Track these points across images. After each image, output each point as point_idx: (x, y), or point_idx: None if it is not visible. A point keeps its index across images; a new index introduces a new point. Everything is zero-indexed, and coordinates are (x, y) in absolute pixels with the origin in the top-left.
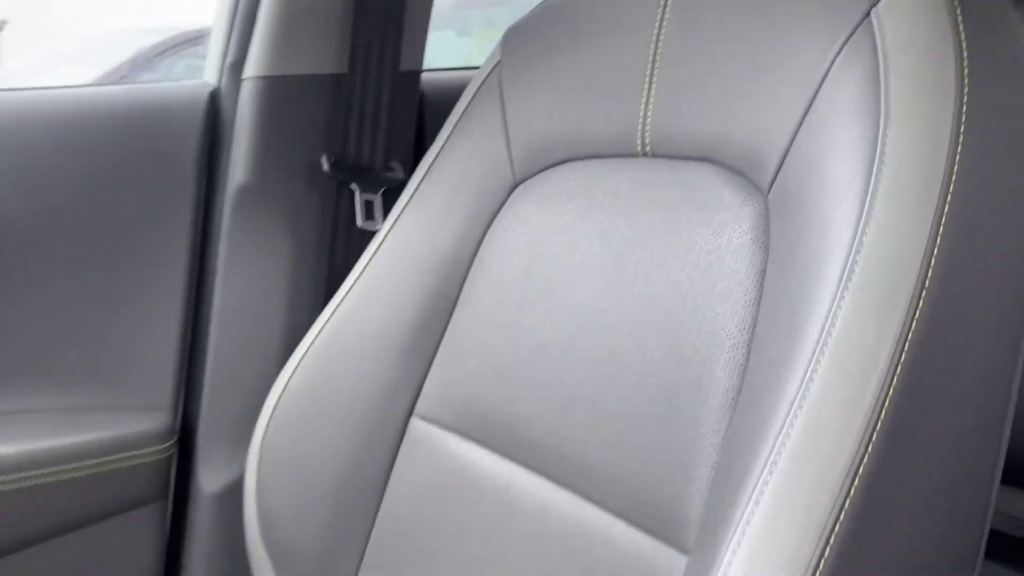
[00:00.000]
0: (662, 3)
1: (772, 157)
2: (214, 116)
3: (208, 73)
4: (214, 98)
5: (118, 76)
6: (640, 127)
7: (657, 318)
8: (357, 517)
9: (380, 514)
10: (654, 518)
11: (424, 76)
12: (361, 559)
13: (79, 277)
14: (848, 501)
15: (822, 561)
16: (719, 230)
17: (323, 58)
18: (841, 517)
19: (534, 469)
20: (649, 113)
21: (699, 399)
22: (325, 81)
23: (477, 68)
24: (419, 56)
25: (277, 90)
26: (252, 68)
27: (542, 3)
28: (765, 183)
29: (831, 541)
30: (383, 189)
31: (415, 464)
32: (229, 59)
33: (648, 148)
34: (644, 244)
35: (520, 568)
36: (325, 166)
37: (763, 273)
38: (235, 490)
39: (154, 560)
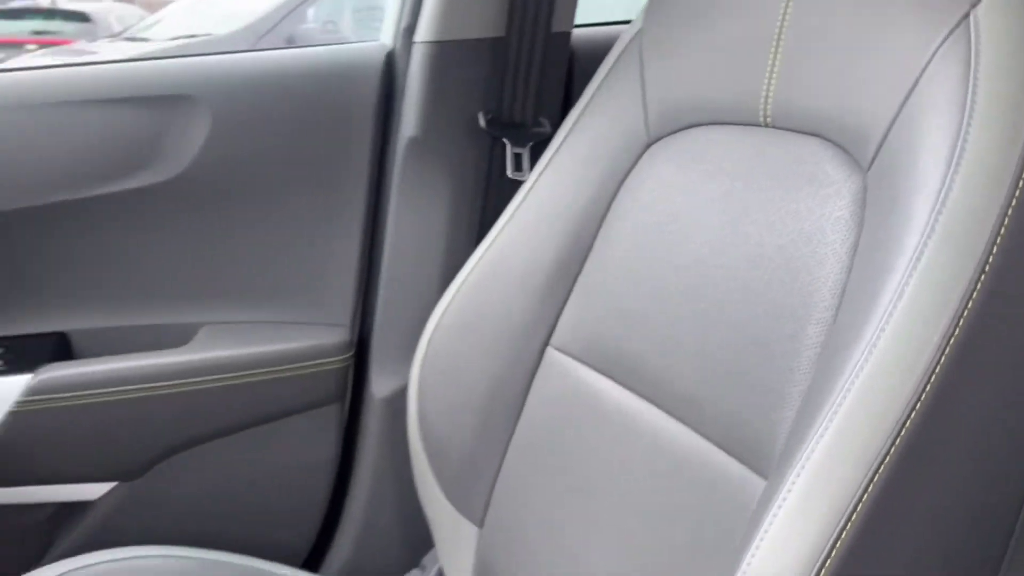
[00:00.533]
0: None
1: (873, 138)
2: (389, 75)
3: (384, 35)
4: (390, 59)
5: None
6: (763, 98)
7: (763, 277)
8: (498, 428)
9: (518, 427)
10: (745, 448)
11: (574, 32)
12: (500, 464)
13: (278, 214)
14: (893, 447)
15: (865, 495)
16: (823, 202)
17: (484, 24)
18: (887, 460)
19: (648, 399)
20: (772, 86)
21: (792, 351)
22: (485, 45)
23: (624, 23)
24: (570, 18)
25: (443, 54)
26: (422, 33)
27: None
28: (866, 162)
29: (874, 480)
30: (531, 143)
31: (549, 388)
32: (403, 23)
33: (769, 119)
34: (757, 209)
35: (632, 482)
36: (482, 122)
37: (856, 246)
38: (400, 395)
39: (332, 451)
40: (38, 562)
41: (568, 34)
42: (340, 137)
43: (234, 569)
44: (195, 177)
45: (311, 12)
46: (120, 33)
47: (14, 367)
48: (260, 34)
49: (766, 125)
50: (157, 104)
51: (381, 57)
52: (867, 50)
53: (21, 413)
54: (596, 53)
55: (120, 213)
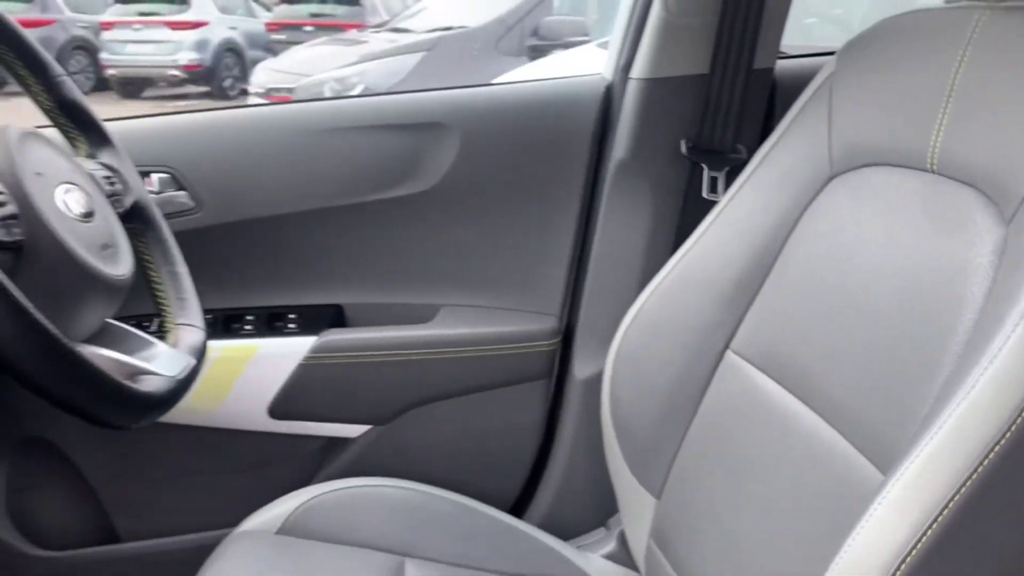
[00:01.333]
0: (966, 40)
1: (1016, 197)
2: (607, 104)
3: (605, 69)
4: (608, 91)
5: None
6: (932, 146)
7: (913, 307)
8: (678, 415)
9: (696, 416)
10: (877, 451)
11: (780, 64)
12: (678, 446)
13: (506, 220)
14: (981, 466)
15: (951, 502)
16: (968, 247)
17: (690, 63)
18: (973, 476)
19: (805, 402)
20: (940, 135)
21: (928, 376)
22: (690, 81)
23: (827, 54)
24: (772, 55)
25: (654, 89)
26: (637, 71)
27: (876, 24)
28: (1008, 216)
29: (961, 490)
30: (727, 168)
31: (725, 385)
32: (622, 61)
33: (934, 166)
34: (914, 246)
35: (782, 472)
36: (683, 149)
37: (990, 291)
38: (597, 379)
39: (538, 419)
40: (310, 481)
41: (770, 70)
42: (561, 156)
43: (452, 504)
44: (444, 188)
45: (556, 3)
46: (385, 23)
47: (304, 330)
48: (509, 25)
49: (931, 171)
50: (417, 130)
51: (601, 89)
52: (1021, 113)
53: (307, 365)
54: (798, 84)
55: (386, 215)
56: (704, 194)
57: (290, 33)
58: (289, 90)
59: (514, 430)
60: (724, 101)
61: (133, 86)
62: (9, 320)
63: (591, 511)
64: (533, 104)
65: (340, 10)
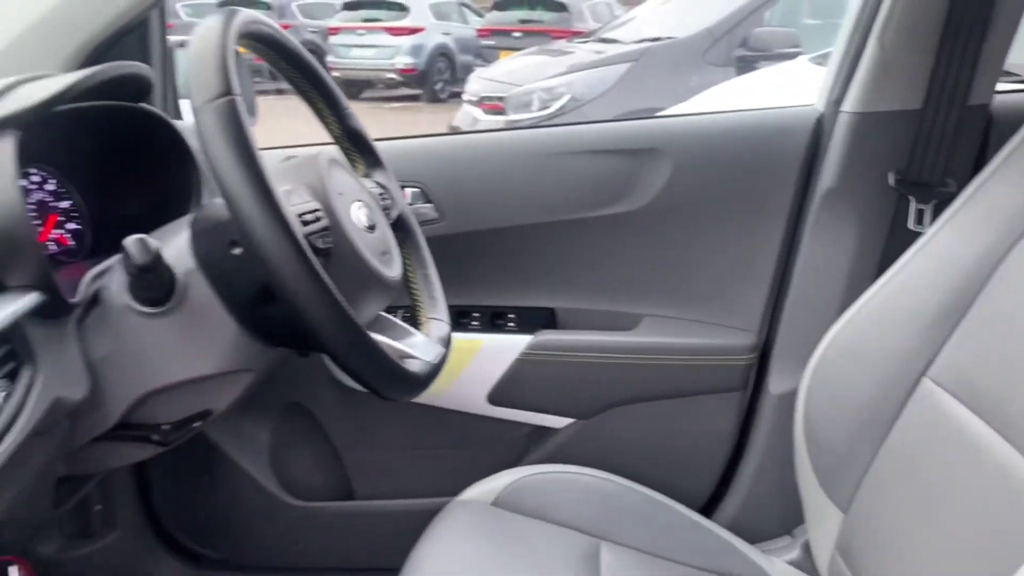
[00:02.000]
0: None
1: None
2: (817, 135)
3: (817, 101)
4: (819, 122)
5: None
6: None
7: None
8: (869, 439)
9: (886, 442)
10: None
11: (998, 98)
12: (868, 465)
13: (711, 239)
14: None
15: None
16: None
17: (903, 98)
18: None
19: (1003, 434)
20: None
21: None
22: (902, 116)
23: None
24: (989, 90)
25: (864, 122)
26: (849, 105)
27: None
28: None
29: None
30: (935, 201)
31: (920, 411)
32: (834, 95)
33: None
34: None
35: (974, 501)
36: (891, 181)
37: None
38: (791, 395)
39: (732, 427)
40: (517, 463)
41: (985, 106)
42: (769, 182)
43: (645, 498)
44: (655, 208)
45: (767, 15)
46: (593, 33)
47: (521, 328)
48: (717, 36)
49: None
50: (633, 155)
51: (812, 120)
52: None
53: (522, 360)
54: (1016, 119)
55: (600, 230)
56: (910, 225)
57: (499, 39)
58: (500, 99)
59: (708, 436)
60: (935, 136)
61: (355, 87)
62: (327, 310)
63: (777, 519)
64: (745, 132)
65: (548, 16)
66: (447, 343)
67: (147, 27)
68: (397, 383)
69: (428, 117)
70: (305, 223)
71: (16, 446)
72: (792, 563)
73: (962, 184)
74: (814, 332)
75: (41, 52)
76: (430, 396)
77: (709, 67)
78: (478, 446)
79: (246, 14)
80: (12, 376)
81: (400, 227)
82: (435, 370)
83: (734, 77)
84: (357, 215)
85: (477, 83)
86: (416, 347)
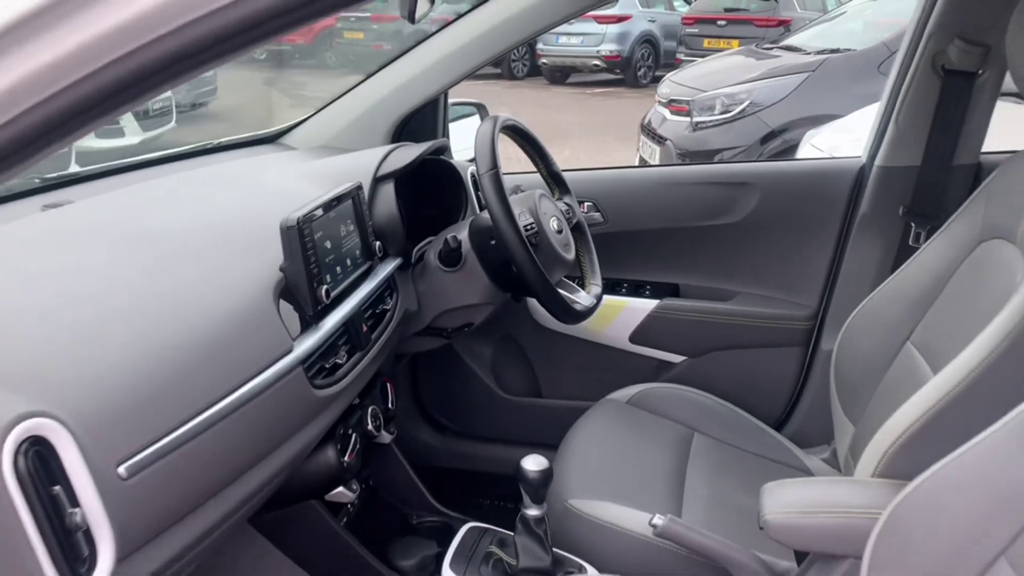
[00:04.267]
0: None
1: None
2: (859, 178)
3: (863, 154)
4: (860, 170)
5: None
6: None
7: None
8: (874, 376)
9: (880, 385)
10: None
11: (987, 156)
12: (871, 396)
13: (786, 244)
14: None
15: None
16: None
17: (909, 157)
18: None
19: (928, 361)
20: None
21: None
22: (909, 170)
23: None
24: (974, 153)
25: (887, 173)
26: (879, 160)
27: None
28: None
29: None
30: (929, 227)
31: (901, 366)
32: (871, 152)
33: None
34: None
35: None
36: (900, 212)
37: None
38: (831, 353)
39: (796, 372)
40: (647, 381)
41: (975, 164)
42: (826, 208)
43: (730, 410)
44: (748, 222)
45: None
46: (780, 38)
47: (654, 295)
48: (893, 49)
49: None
50: (733, 186)
51: (856, 168)
52: None
53: (653, 316)
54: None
55: (710, 234)
56: (911, 243)
57: (702, 27)
58: (686, 102)
59: (779, 375)
60: (928, 184)
61: (560, 73)
62: (535, 274)
63: (823, 433)
64: (813, 173)
65: (754, 4)
66: (599, 298)
67: (436, 103)
68: (568, 314)
69: (628, 103)
70: (526, 230)
71: (392, 330)
72: (824, 460)
73: (947, 217)
74: (850, 310)
75: (370, 127)
76: (594, 335)
77: (883, 78)
78: (621, 370)
79: (504, 117)
80: (390, 297)
81: (577, 229)
82: (590, 311)
83: None
84: (551, 225)
85: (667, 86)
86: (581, 298)
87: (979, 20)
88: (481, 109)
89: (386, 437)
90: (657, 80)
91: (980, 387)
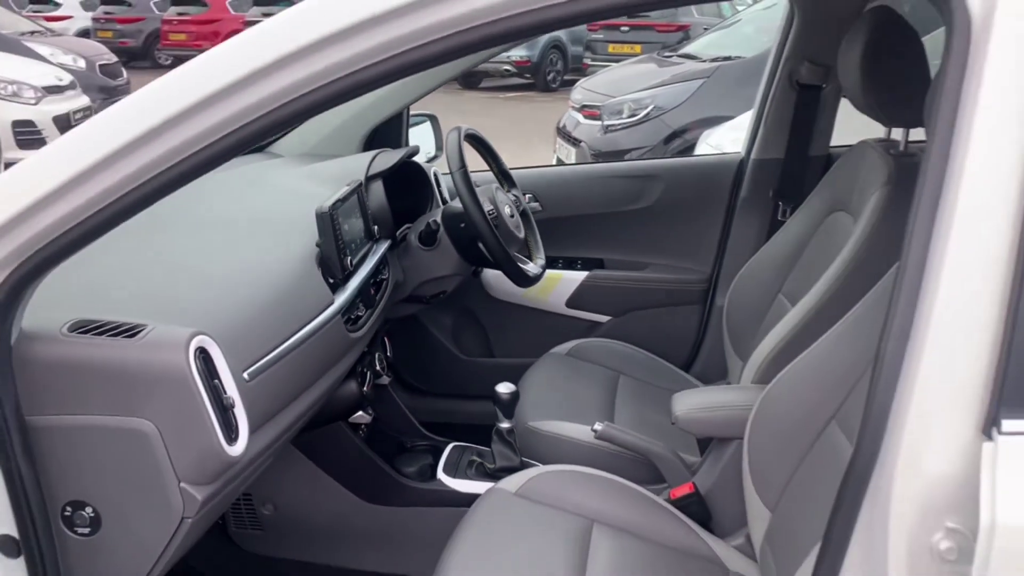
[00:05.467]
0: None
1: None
2: (740, 169)
3: (743, 149)
4: (742, 162)
5: None
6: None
7: None
8: (756, 319)
9: (764, 317)
10: None
11: (836, 149)
12: (755, 335)
13: (688, 223)
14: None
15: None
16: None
17: (776, 150)
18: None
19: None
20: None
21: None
22: (776, 161)
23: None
24: (824, 147)
25: (760, 164)
26: (754, 154)
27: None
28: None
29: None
30: (792, 205)
31: (777, 304)
32: (747, 147)
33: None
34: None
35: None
36: (771, 194)
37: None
38: (723, 307)
39: (699, 321)
40: (582, 337)
41: (826, 155)
42: (716, 194)
43: (648, 356)
44: (656, 207)
45: None
46: (678, 46)
47: (584, 268)
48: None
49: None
50: (642, 178)
51: (736, 162)
52: None
53: (584, 285)
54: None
55: (626, 218)
56: (779, 218)
57: (607, 32)
58: (597, 107)
59: (684, 327)
60: (790, 171)
61: (474, 78)
62: (497, 247)
63: (720, 370)
64: (705, 167)
65: (654, 11)
66: (544, 268)
67: (400, 116)
68: (522, 279)
69: (540, 106)
70: (489, 215)
71: (389, 294)
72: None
73: (805, 196)
74: (735, 272)
75: (347, 136)
76: (537, 302)
77: None
78: (560, 330)
79: (466, 128)
80: (385, 269)
81: (523, 215)
82: (538, 277)
83: None
84: (506, 211)
85: (579, 92)
86: (530, 268)
87: (821, 46)
88: (432, 119)
89: (385, 379)
90: (566, 84)
91: (820, 314)
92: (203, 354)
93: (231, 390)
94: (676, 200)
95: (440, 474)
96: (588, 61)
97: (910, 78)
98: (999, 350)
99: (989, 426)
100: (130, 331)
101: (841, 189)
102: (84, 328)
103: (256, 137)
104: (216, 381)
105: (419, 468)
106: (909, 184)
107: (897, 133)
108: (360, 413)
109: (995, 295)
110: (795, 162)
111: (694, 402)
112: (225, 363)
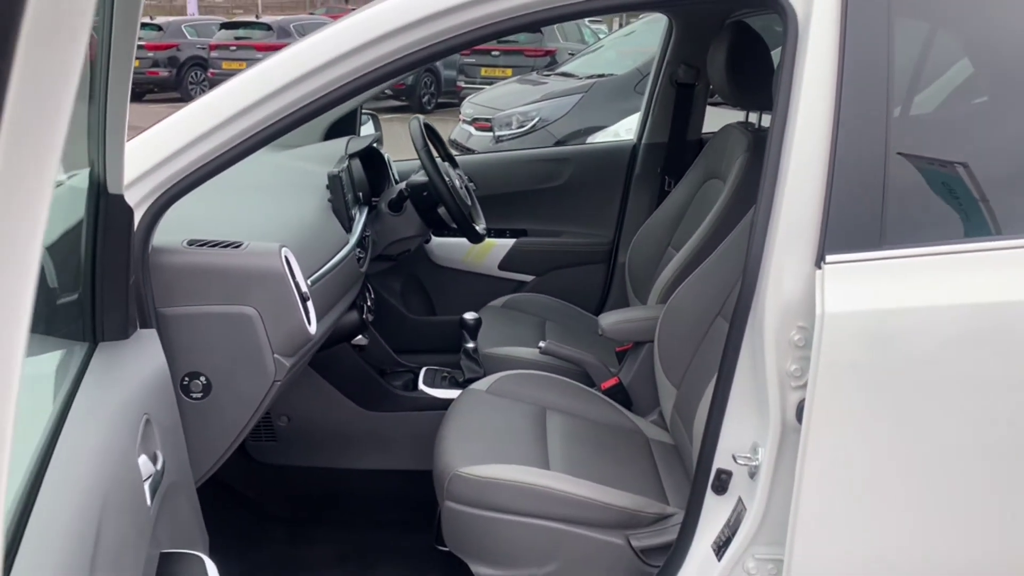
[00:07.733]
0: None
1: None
2: (634, 152)
3: (635, 136)
4: (635, 147)
5: None
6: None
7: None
8: (652, 268)
9: (666, 264)
10: None
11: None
12: (655, 278)
13: (594, 196)
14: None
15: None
16: None
17: (661, 135)
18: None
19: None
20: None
21: None
22: (662, 145)
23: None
24: (697, 130)
25: (650, 148)
26: (644, 139)
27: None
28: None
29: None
30: (676, 179)
31: (673, 255)
32: (639, 134)
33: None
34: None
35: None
36: (659, 170)
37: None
38: (624, 263)
39: (604, 275)
40: (514, 292)
41: (698, 140)
42: (616, 172)
43: (564, 305)
44: (568, 185)
45: None
46: (558, 65)
47: (512, 236)
48: (644, 73)
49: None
50: (556, 161)
51: (631, 147)
52: None
53: (512, 251)
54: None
55: (545, 194)
56: (666, 188)
57: (479, 57)
58: (487, 120)
59: (595, 281)
60: (672, 153)
61: None
62: (458, 212)
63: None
64: (607, 151)
65: (523, 36)
66: (486, 230)
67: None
68: (475, 235)
69: None
70: (447, 186)
71: (351, 248)
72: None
73: (685, 170)
74: (633, 234)
75: (311, 128)
76: (474, 266)
77: (638, 96)
78: (493, 289)
79: (422, 119)
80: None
81: (467, 191)
82: (485, 234)
83: None
84: (457, 183)
85: (470, 107)
86: (479, 226)
87: (694, 52)
88: (374, 117)
89: (370, 317)
90: (441, 106)
91: (701, 250)
92: (287, 259)
93: (304, 289)
94: (584, 179)
95: (421, 385)
96: (462, 84)
97: (761, 73)
98: (820, 223)
99: (819, 260)
100: (233, 245)
101: (713, 160)
102: (199, 243)
103: (336, 102)
104: (297, 278)
105: (403, 383)
106: (764, 151)
107: (753, 117)
108: (360, 336)
109: (816, 198)
110: (677, 145)
111: (616, 318)
112: (299, 269)
